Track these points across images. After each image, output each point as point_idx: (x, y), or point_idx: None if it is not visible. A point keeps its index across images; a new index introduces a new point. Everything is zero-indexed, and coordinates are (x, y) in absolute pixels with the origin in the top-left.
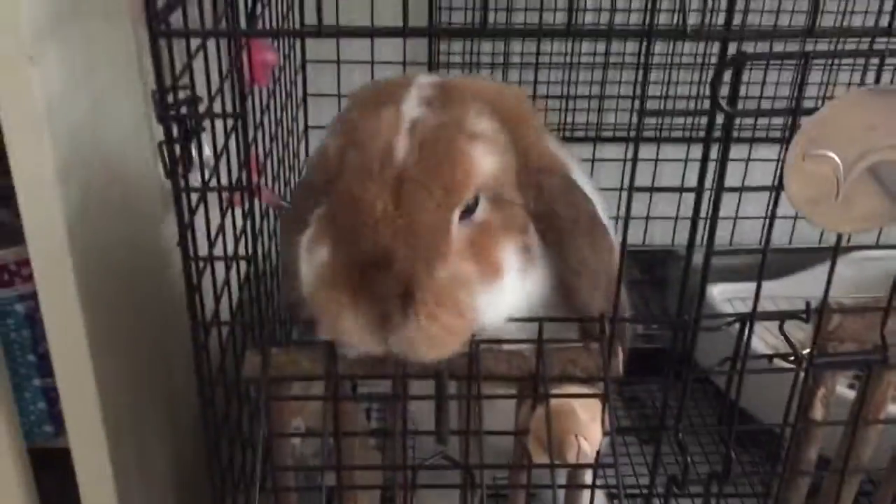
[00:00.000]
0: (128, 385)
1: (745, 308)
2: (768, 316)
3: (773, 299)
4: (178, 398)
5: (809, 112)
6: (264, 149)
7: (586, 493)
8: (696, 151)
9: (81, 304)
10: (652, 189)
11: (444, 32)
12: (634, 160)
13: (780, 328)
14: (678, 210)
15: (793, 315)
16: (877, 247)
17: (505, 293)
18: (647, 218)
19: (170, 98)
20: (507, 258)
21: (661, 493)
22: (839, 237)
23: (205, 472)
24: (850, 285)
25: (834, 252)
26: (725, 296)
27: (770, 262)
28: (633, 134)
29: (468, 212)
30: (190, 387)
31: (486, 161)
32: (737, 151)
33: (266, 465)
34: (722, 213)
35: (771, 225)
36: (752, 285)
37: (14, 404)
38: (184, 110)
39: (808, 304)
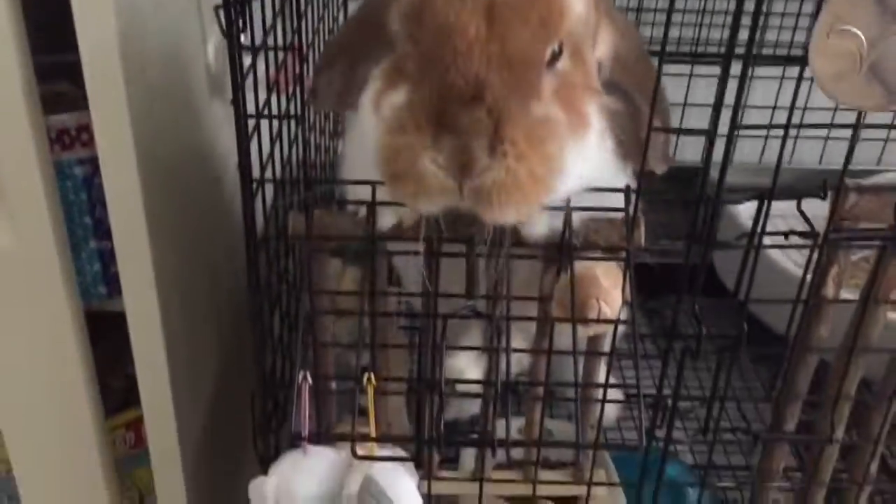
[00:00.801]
0: (179, 250)
1: (771, 227)
2: (787, 195)
3: (796, 217)
4: (222, 265)
5: None
6: (307, 41)
7: (603, 365)
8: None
9: (139, 169)
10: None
11: None
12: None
13: (798, 206)
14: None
15: (811, 193)
16: None
17: (589, 150)
18: (679, 132)
19: None
20: (592, 113)
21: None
22: (859, 115)
23: (246, 339)
24: None
25: (853, 133)
26: (752, 214)
27: (796, 184)
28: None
29: (553, 59)
30: (232, 254)
31: (576, 3)
32: (764, 71)
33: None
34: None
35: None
36: (780, 204)
37: (72, 265)
38: None
39: (824, 181)
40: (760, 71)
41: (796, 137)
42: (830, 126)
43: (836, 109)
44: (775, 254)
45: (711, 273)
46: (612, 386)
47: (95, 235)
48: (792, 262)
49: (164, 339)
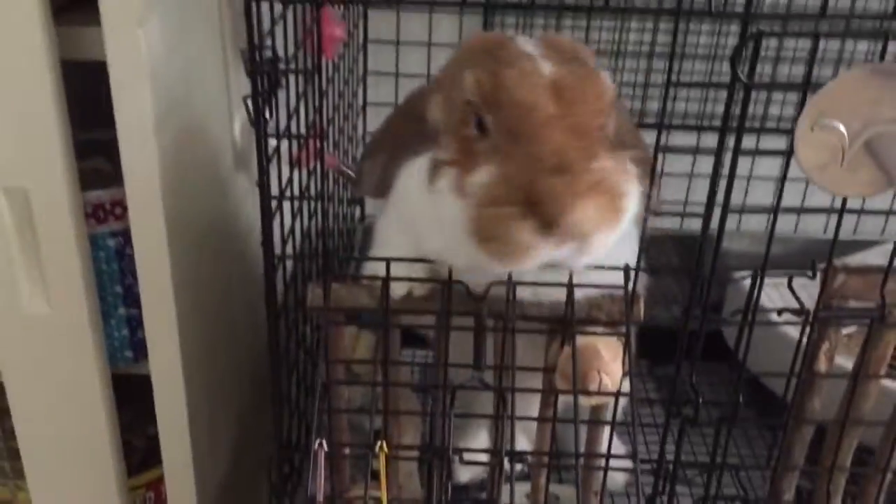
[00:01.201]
0: (203, 318)
1: (775, 294)
2: (777, 273)
3: (804, 287)
4: (242, 333)
5: (819, 86)
6: (327, 117)
7: (606, 430)
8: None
9: (168, 241)
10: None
11: (497, 6)
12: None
13: (789, 284)
14: (687, 195)
15: (801, 272)
16: None
17: (634, 200)
18: (685, 203)
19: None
20: (633, 170)
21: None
22: (844, 201)
23: (264, 404)
24: None
25: (839, 218)
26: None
27: (806, 252)
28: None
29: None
30: (253, 322)
31: (610, 85)
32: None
33: (325, 387)
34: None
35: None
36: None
37: (102, 331)
38: (268, 67)
39: (813, 261)
40: (769, 143)
41: (800, 211)
42: (802, 208)
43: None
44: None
45: (720, 339)
46: (614, 456)
47: (125, 303)
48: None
49: (186, 402)
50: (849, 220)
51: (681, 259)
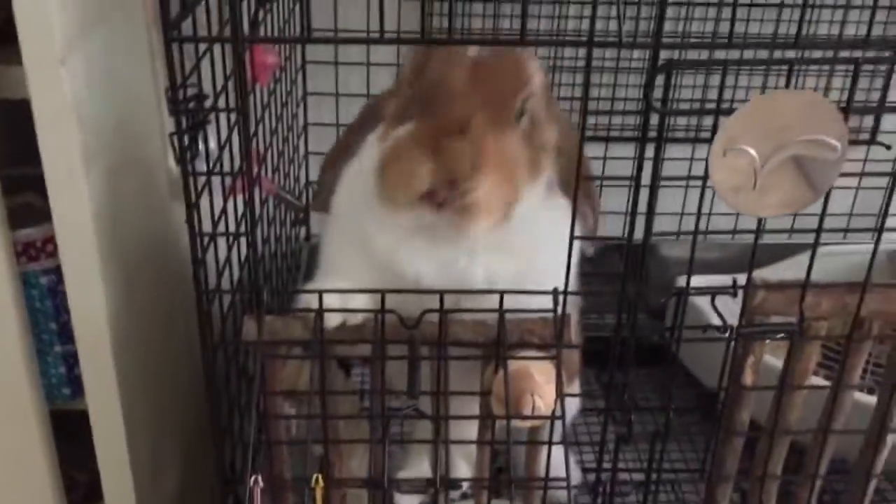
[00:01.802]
0: (139, 352)
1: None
2: (700, 291)
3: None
4: (183, 365)
5: (729, 112)
6: (265, 142)
7: (544, 451)
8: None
9: (102, 277)
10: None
11: (434, 41)
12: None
13: (712, 302)
14: (627, 205)
15: (722, 291)
16: (840, 242)
17: (537, 190)
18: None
19: (180, 94)
20: (544, 164)
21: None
22: (759, 221)
23: (208, 432)
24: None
25: (755, 238)
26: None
27: (744, 256)
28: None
29: (520, 114)
30: (193, 354)
31: (538, 73)
32: (679, 151)
33: (260, 421)
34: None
35: (698, 215)
36: (722, 277)
37: (37, 368)
38: (192, 105)
39: (734, 280)
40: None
41: (695, 236)
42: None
43: None
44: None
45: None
46: (552, 479)
47: (60, 340)
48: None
49: (126, 437)
50: (784, 222)
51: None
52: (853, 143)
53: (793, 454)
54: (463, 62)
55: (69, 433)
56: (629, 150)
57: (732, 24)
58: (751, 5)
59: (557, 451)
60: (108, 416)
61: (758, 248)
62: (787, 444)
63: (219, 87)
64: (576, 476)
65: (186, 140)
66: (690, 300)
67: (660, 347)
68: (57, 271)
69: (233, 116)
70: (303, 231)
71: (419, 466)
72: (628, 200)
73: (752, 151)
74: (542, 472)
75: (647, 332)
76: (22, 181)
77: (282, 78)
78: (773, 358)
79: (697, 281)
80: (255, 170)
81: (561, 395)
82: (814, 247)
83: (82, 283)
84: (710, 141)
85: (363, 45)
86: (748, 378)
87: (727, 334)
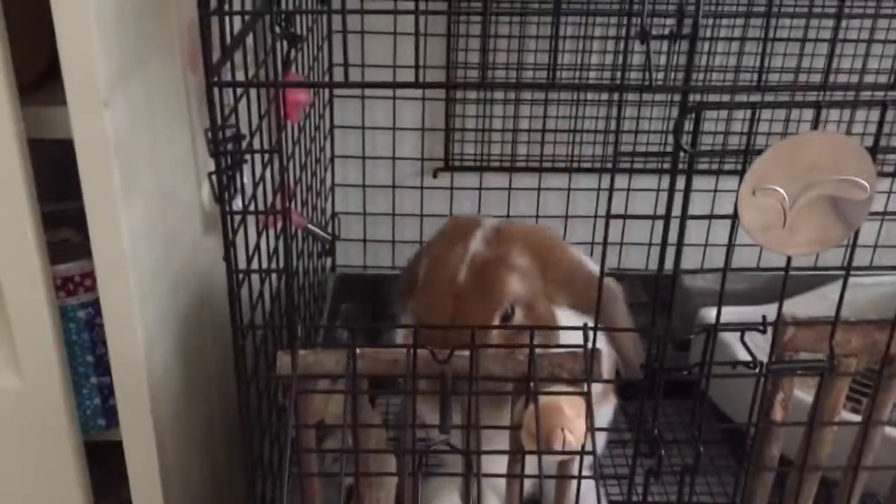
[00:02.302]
0: (174, 384)
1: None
2: (730, 328)
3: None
4: (214, 398)
5: (758, 152)
6: (295, 177)
7: (573, 485)
8: (666, 182)
9: (138, 312)
10: (625, 216)
11: (456, 86)
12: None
13: (742, 338)
14: (651, 237)
15: (752, 327)
16: (868, 273)
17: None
18: (621, 244)
19: (220, 135)
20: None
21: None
22: (789, 259)
23: (238, 466)
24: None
25: (784, 276)
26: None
27: (770, 287)
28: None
29: (507, 318)
30: (225, 388)
31: (517, 285)
32: (705, 183)
33: (293, 454)
34: (712, 240)
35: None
36: (745, 308)
37: (73, 399)
38: (230, 146)
39: (763, 317)
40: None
41: (724, 272)
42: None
43: None
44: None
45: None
46: None
47: (96, 372)
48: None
49: (158, 467)
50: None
51: (650, 298)
52: (879, 174)
53: (822, 488)
54: (451, 292)
55: (100, 461)
56: (651, 181)
57: (762, 66)
58: (775, 39)
59: (586, 486)
60: (142, 446)
61: (774, 280)
62: (817, 479)
63: (254, 126)
64: None
65: (225, 179)
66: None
67: (686, 380)
68: (94, 305)
69: (267, 156)
70: (328, 262)
71: (449, 501)
72: (651, 233)
73: (782, 191)
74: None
75: (673, 365)
76: (60, 216)
77: (310, 113)
78: (800, 392)
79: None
80: (287, 205)
81: (591, 429)
82: (843, 283)
83: (119, 316)
84: (734, 173)
85: (389, 78)
86: (778, 414)
87: (757, 370)
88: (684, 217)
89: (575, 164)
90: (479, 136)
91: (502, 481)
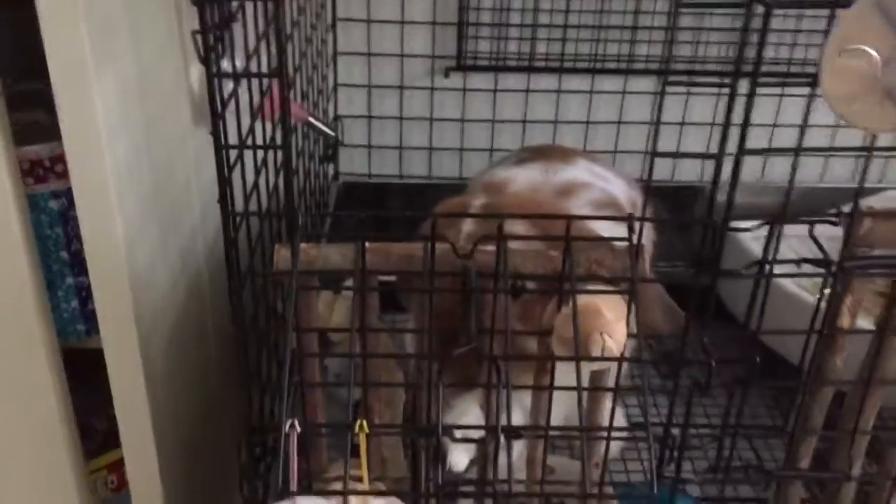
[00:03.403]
0: (160, 285)
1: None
2: (801, 221)
3: (800, 238)
4: (205, 301)
5: (848, 4)
6: (293, 64)
7: (607, 400)
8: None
9: (116, 201)
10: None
11: None
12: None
13: (810, 232)
14: (707, 146)
15: (824, 220)
16: None
17: None
18: (676, 154)
19: None
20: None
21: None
22: (873, 139)
23: (233, 375)
24: None
25: (867, 156)
26: (755, 236)
27: (799, 204)
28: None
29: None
30: (219, 288)
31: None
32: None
33: (293, 362)
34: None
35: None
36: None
37: (48, 302)
38: None
39: (839, 208)
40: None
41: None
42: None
43: (839, 127)
44: (786, 280)
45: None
46: (620, 429)
47: (73, 271)
48: (802, 288)
49: (144, 378)
50: (845, 164)
51: (673, 212)
52: None
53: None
54: None
55: (85, 377)
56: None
57: None
58: None
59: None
60: (125, 356)
61: (821, 193)
62: (879, 396)
63: None
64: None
65: (212, 38)
66: (738, 239)
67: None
68: (68, 194)
69: (261, 24)
70: (331, 168)
71: (467, 413)
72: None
73: (874, 52)
74: (605, 422)
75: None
76: (30, 97)
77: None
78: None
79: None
80: (289, 74)
81: (639, 334)
82: None
83: (95, 205)
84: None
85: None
86: (845, 320)
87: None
88: (746, 124)
89: (599, 65)
90: (495, 32)
91: (526, 396)
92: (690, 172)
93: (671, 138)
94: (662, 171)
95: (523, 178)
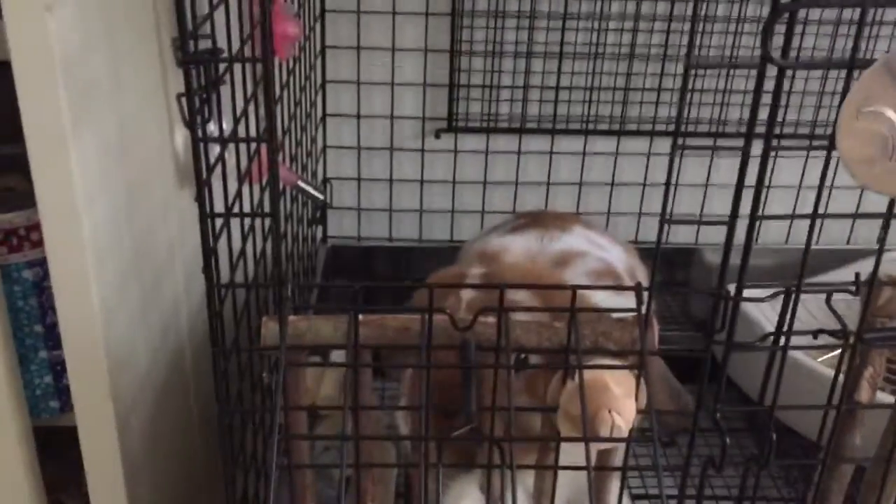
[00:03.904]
0: (138, 361)
1: (772, 308)
2: (815, 289)
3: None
4: (191, 378)
5: (866, 64)
6: (282, 127)
7: (615, 480)
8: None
9: (93, 271)
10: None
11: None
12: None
13: (827, 301)
14: (702, 209)
15: (840, 288)
16: None
17: None
18: (670, 215)
19: (191, 46)
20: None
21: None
22: (891, 203)
23: (215, 455)
24: None
25: (886, 222)
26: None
27: (795, 263)
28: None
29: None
30: (201, 365)
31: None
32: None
33: (281, 442)
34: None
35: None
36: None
37: (19, 378)
38: (206, 57)
39: (857, 275)
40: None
41: (823, 217)
42: (857, 215)
43: (844, 188)
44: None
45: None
46: None
47: (47, 345)
48: (809, 356)
49: (121, 459)
50: (870, 226)
51: (667, 274)
52: None
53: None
54: None
55: (57, 452)
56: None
57: None
58: None
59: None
60: (101, 434)
61: (812, 254)
62: None
63: (234, 48)
64: None
65: (198, 100)
66: (742, 309)
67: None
68: (44, 264)
69: (249, 88)
70: (319, 231)
71: (465, 496)
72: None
73: (892, 115)
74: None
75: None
76: (5, 162)
77: (300, 58)
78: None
79: (752, 291)
80: (278, 137)
81: (650, 411)
82: None
83: (71, 276)
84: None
85: (387, 25)
86: (864, 394)
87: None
88: (760, 181)
89: (591, 125)
90: (487, 94)
91: (529, 476)
92: (684, 234)
93: (659, 201)
94: (653, 231)
95: (519, 247)
